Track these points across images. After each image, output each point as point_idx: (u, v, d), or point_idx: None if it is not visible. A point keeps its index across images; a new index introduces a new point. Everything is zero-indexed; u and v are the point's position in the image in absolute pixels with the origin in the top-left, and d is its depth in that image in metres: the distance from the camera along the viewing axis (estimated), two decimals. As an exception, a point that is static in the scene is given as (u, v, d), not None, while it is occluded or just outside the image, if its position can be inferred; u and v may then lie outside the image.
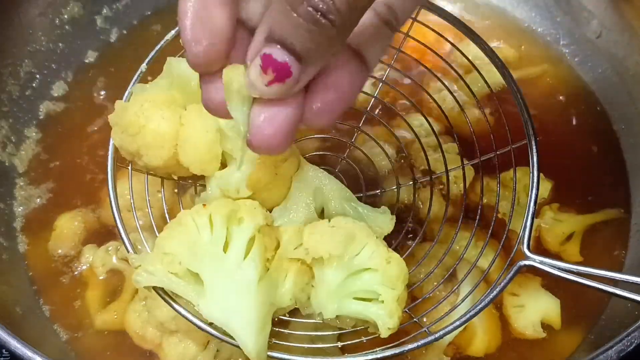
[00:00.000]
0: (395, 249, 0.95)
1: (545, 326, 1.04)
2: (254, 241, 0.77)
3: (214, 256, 0.76)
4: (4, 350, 0.94)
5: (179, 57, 0.89)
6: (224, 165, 0.86)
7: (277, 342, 0.82)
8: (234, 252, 0.77)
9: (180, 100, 0.87)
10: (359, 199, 0.94)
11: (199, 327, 0.79)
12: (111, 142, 0.88)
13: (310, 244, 0.78)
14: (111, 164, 0.88)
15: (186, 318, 0.80)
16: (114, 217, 0.86)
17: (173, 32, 0.93)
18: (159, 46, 0.92)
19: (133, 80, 0.91)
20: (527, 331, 1.03)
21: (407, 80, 1.25)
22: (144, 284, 0.77)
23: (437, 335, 0.80)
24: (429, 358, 0.99)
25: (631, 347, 0.83)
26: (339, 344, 0.87)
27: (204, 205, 0.79)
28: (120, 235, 0.85)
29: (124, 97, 0.89)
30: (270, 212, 0.85)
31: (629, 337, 0.84)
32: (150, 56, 0.92)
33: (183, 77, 0.86)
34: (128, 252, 0.84)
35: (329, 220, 0.83)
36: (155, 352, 1.01)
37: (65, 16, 1.32)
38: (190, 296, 0.77)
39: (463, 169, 0.99)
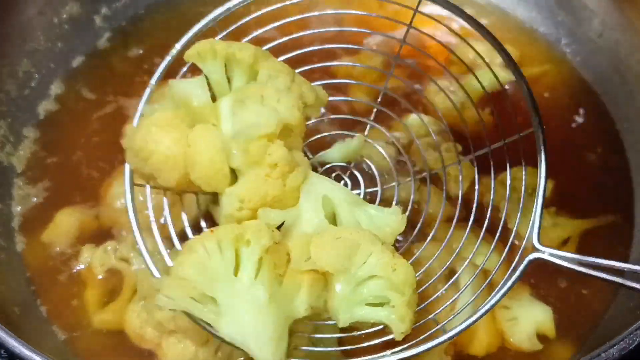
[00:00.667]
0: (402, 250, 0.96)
1: (539, 336, 1.03)
2: (263, 261, 0.79)
3: (226, 279, 0.78)
4: (2, 351, 0.93)
5: (179, 78, 0.89)
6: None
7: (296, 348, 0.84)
8: (244, 274, 0.78)
9: (187, 120, 0.87)
10: (374, 199, 0.94)
11: (229, 344, 0.80)
12: (127, 166, 0.90)
13: (316, 257, 0.79)
14: (129, 189, 0.90)
15: (215, 336, 0.81)
16: (138, 244, 0.89)
17: (178, 46, 0.94)
18: (165, 63, 0.94)
19: (142, 100, 0.93)
20: (523, 345, 1.02)
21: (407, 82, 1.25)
22: (168, 308, 0.78)
23: (452, 333, 0.81)
24: (429, 357, 0.97)
25: (633, 345, 0.83)
26: (355, 346, 0.87)
27: (212, 230, 0.80)
28: (145, 261, 0.88)
29: (135, 120, 0.91)
30: (280, 227, 0.85)
31: (631, 335, 0.83)
32: (158, 72, 0.94)
33: (185, 97, 0.87)
34: (152, 275, 0.87)
35: (335, 229, 0.84)
36: (154, 352, 1.00)
37: (64, 15, 1.32)
38: (209, 318, 0.79)
39: (473, 162, 0.98)
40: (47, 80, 1.30)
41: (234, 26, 0.97)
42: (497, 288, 0.82)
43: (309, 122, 0.97)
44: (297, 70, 0.92)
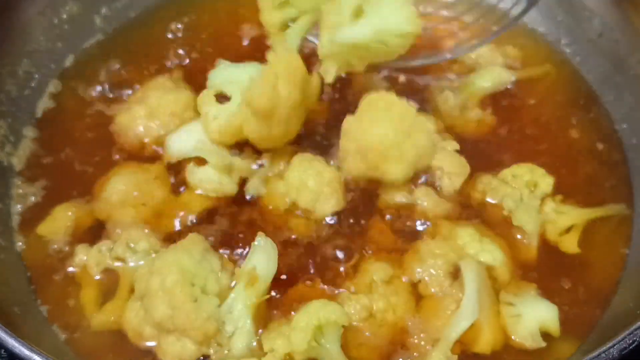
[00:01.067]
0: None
1: (542, 334, 1.02)
2: None
3: None
4: (2, 351, 0.93)
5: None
6: None
7: None
8: None
9: None
10: None
11: None
12: None
13: None
14: None
15: None
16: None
17: None
18: None
19: None
20: (526, 342, 1.01)
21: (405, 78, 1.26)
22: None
23: None
24: (435, 355, 0.97)
25: (633, 345, 0.83)
26: None
27: None
28: None
29: None
30: None
31: (631, 335, 0.83)
32: None
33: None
34: None
35: None
36: (154, 351, 1.00)
37: (64, 16, 1.33)
38: None
39: None
40: (47, 80, 1.30)
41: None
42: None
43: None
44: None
